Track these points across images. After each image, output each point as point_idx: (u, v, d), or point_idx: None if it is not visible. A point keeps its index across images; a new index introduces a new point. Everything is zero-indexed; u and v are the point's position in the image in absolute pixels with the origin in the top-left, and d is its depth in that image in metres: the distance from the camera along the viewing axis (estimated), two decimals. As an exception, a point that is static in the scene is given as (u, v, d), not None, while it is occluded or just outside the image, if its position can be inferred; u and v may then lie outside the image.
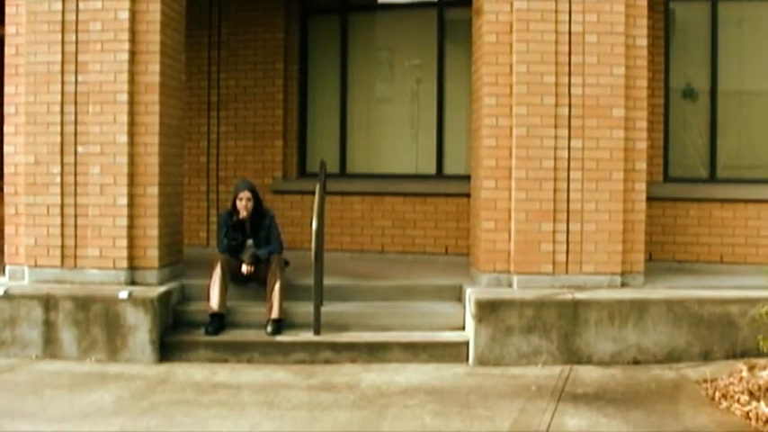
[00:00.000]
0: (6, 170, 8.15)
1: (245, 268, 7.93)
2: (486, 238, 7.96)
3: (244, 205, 8.12)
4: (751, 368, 6.73)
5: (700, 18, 9.77)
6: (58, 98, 7.90)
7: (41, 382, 6.88)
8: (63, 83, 7.90)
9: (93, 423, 5.95)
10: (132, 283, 7.90)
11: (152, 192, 7.95)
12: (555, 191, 7.84)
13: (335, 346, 7.51)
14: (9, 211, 8.12)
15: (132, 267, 7.94)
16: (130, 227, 7.91)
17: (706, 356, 7.41)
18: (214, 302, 7.70)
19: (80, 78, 7.89)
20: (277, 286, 7.74)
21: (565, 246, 7.85)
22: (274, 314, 7.68)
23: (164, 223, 8.09)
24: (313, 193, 8.06)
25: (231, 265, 7.93)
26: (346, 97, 10.79)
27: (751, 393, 6.22)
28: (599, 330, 7.39)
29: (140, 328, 7.46)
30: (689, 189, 9.52)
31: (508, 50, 7.88)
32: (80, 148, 7.90)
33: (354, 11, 10.88)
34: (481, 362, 7.38)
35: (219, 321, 7.70)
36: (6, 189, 8.13)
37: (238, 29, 10.80)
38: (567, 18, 7.83)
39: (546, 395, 6.55)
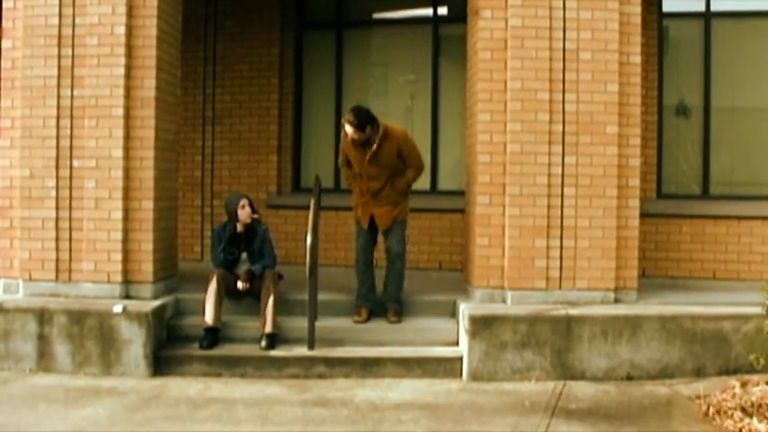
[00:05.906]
0: (1, 183, 8.15)
1: (240, 285, 7.92)
2: (480, 253, 7.96)
3: (247, 213, 8.08)
4: (744, 384, 6.76)
5: (693, 35, 9.84)
6: (54, 112, 7.91)
7: (35, 395, 6.87)
8: (59, 97, 7.91)
9: (86, 437, 5.96)
10: (127, 297, 7.90)
11: (147, 206, 7.96)
12: (549, 207, 7.85)
13: (329, 361, 7.50)
14: (4, 224, 8.13)
15: (127, 281, 7.94)
16: (125, 241, 7.91)
17: (699, 373, 7.42)
18: (209, 317, 7.70)
19: (76, 93, 7.90)
20: (271, 301, 7.74)
21: (558, 262, 7.86)
22: (268, 329, 7.68)
23: (158, 237, 8.10)
24: (307, 207, 8.06)
25: (226, 279, 7.93)
26: (341, 112, 10.73)
27: (744, 410, 6.24)
28: (592, 346, 7.40)
29: (134, 343, 7.45)
30: (682, 205, 9.56)
31: (503, 67, 7.90)
32: (75, 162, 7.91)
33: (350, 26, 10.94)
34: (475, 377, 7.39)
35: (214, 336, 7.70)
36: (1, 202, 8.13)
37: (234, 44, 10.84)
38: (562, 35, 7.85)
39: (539, 411, 6.55)
